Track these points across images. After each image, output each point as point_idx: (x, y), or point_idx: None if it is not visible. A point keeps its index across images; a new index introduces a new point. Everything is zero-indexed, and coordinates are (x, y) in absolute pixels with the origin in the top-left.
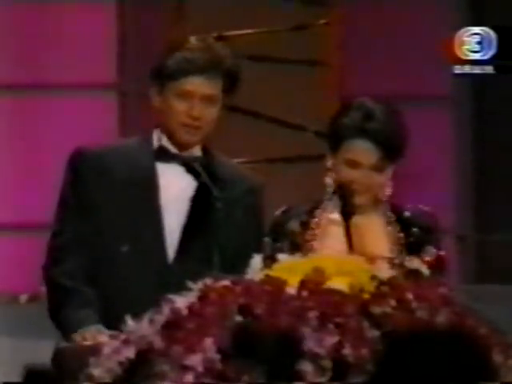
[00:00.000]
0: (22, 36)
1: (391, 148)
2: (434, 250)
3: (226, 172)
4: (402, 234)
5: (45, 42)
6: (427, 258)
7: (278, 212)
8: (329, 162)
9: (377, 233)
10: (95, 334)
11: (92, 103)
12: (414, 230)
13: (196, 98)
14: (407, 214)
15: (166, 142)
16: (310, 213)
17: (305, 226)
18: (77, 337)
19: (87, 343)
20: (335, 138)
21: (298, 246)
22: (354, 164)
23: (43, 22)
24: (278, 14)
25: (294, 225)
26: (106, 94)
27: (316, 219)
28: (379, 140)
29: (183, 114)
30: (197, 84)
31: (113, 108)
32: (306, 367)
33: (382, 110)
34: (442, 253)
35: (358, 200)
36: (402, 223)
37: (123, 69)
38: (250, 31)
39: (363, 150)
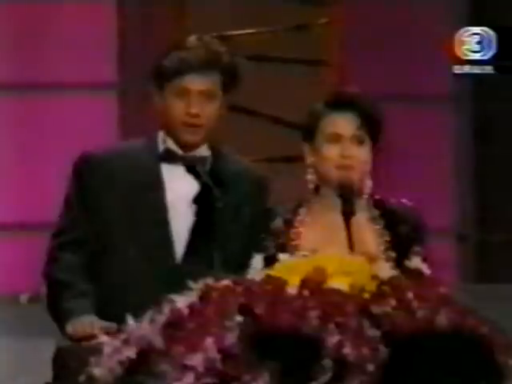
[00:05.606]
0: (21, 36)
1: (369, 116)
2: (421, 249)
3: (233, 171)
4: (386, 230)
5: (45, 42)
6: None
7: None
8: (308, 160)
9: (360, 228)
10: (87, 325)
11: (92, 103)
12: (403, 227)
13: (193, 95)
14: (393, 209)
15: (171, 145)
16: (295, 211)
17: (289, 224)
18: (69, 327)
19: (86, 343)
20: (311, 124)
21: (282, 245)
22: (334, 137)
23: (43, 22)
24: (279, 14)
25: (278, 223)
26: (105, 93)
27: (300, 217)
28: (356, 108)
29: (182, 112)
30: (192, 81)
31: (113, 107)
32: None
33: (355, 92)
34: (428, 253)
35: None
36: (388, 219)
37: (123, 68)
38: (250, 31)
39: (342, 121)
